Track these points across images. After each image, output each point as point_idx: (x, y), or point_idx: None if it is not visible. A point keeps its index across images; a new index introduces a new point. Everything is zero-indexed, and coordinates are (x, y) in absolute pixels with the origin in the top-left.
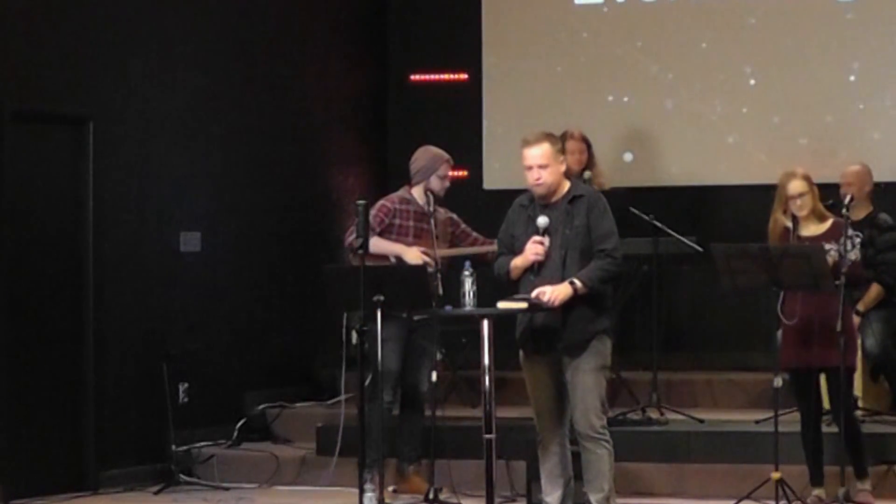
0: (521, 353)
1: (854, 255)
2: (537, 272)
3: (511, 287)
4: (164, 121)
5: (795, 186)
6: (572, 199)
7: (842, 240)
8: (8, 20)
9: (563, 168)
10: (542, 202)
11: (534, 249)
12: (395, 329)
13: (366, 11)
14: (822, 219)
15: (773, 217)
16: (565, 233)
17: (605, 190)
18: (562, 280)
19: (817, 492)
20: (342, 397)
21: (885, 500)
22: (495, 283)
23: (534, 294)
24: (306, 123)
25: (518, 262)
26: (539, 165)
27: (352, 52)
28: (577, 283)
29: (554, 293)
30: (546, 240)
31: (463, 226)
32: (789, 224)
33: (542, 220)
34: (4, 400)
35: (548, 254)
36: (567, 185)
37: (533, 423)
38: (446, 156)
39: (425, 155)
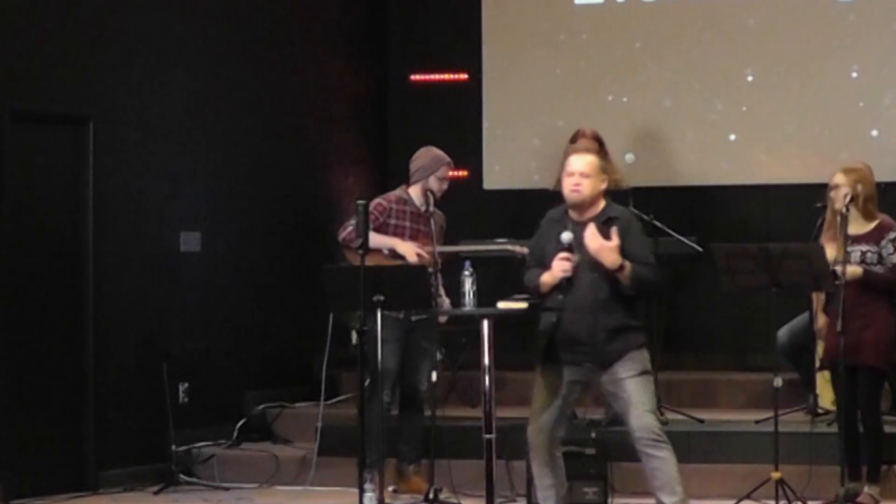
0: (540, 357)
1: None
2: (566, 289)
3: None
4: (164, 121)
5: (834, 178)
6: (606, 220)
7: (882, 242)
8: (8, 20)
9: (602, 186)
10: (575, 214)
11: (561, 266)
12: (395, 329)
13: (366, 11)
14: (868, 218)
15: (826, 214)
16: None
17: (622, 189)
18: (592, 304)
19: (852, 485)
20: (322, 401)
21: (887, 500)
22: (495, 283)
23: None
24: (306, 123)
25: (546, 279)
26: (581, 173)
27: (352, 52)
28: (627, 263)
29: (603, 246)
30: (574, 257)
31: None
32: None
33: (566, 236)
34: (4, 400)
35: (576, 272)
36: (602, 204)
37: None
38: (448, 158)
39: (427, 155)
